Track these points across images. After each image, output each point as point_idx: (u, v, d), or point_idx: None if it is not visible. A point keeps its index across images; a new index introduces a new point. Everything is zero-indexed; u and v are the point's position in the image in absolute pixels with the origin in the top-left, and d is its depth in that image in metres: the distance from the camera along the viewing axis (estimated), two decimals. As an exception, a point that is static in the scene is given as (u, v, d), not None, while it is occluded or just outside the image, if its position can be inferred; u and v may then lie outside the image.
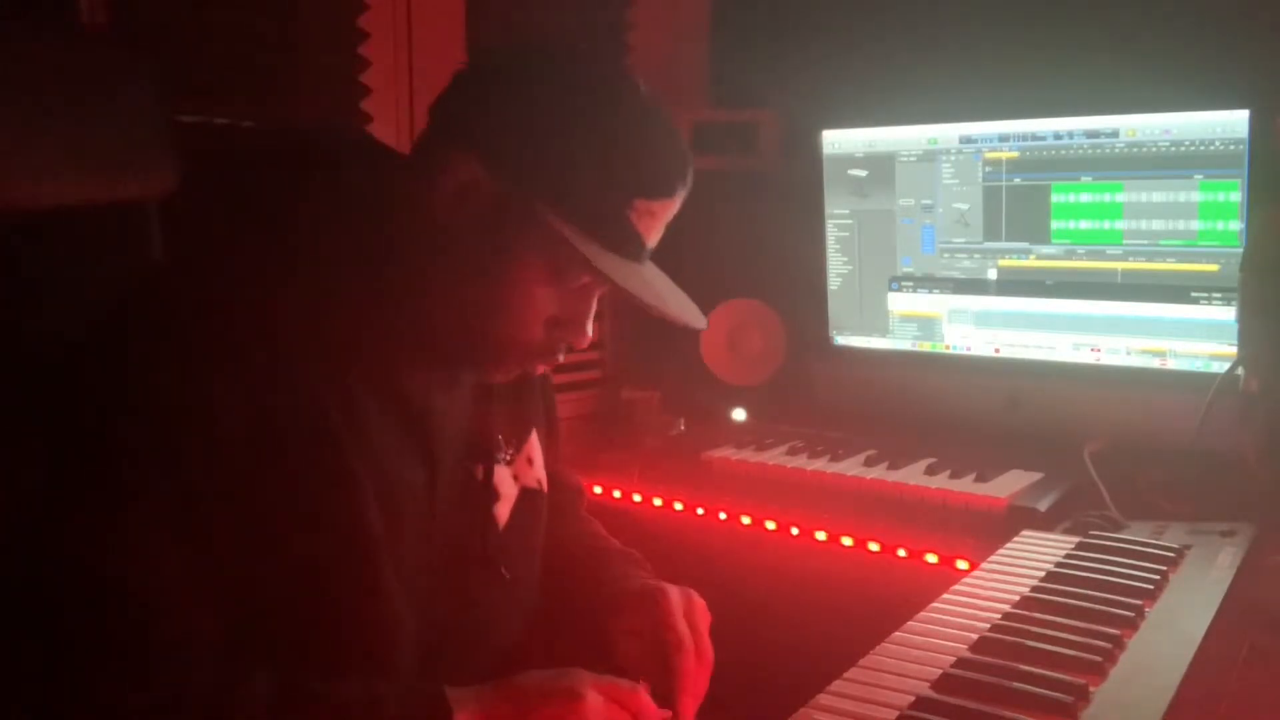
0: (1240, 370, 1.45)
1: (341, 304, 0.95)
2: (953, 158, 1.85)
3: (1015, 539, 1.38)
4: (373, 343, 0.97)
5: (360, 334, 0.96)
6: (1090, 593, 1.15)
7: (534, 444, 1.16)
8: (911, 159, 1.89)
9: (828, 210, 1.99)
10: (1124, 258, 1.71)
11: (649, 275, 0.99)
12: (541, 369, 1.03)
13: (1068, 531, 1.41)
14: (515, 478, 1.11)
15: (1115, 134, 1.69)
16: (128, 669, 0.79)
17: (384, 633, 0.95)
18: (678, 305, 1.00)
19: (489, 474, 1.08)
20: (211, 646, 0.84)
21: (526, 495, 1.12)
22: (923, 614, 1.14)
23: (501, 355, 0.99)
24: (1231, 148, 1.59)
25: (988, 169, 1.82)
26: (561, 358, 1.01)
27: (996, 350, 1.86)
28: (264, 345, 0.89)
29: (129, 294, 0.94)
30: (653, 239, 0.98)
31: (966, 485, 1.58)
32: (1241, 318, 1.49)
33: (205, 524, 0.85)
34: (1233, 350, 1.54)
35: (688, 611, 1.05)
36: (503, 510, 1.09)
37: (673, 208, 0.98)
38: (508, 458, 1.11)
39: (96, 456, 0.84)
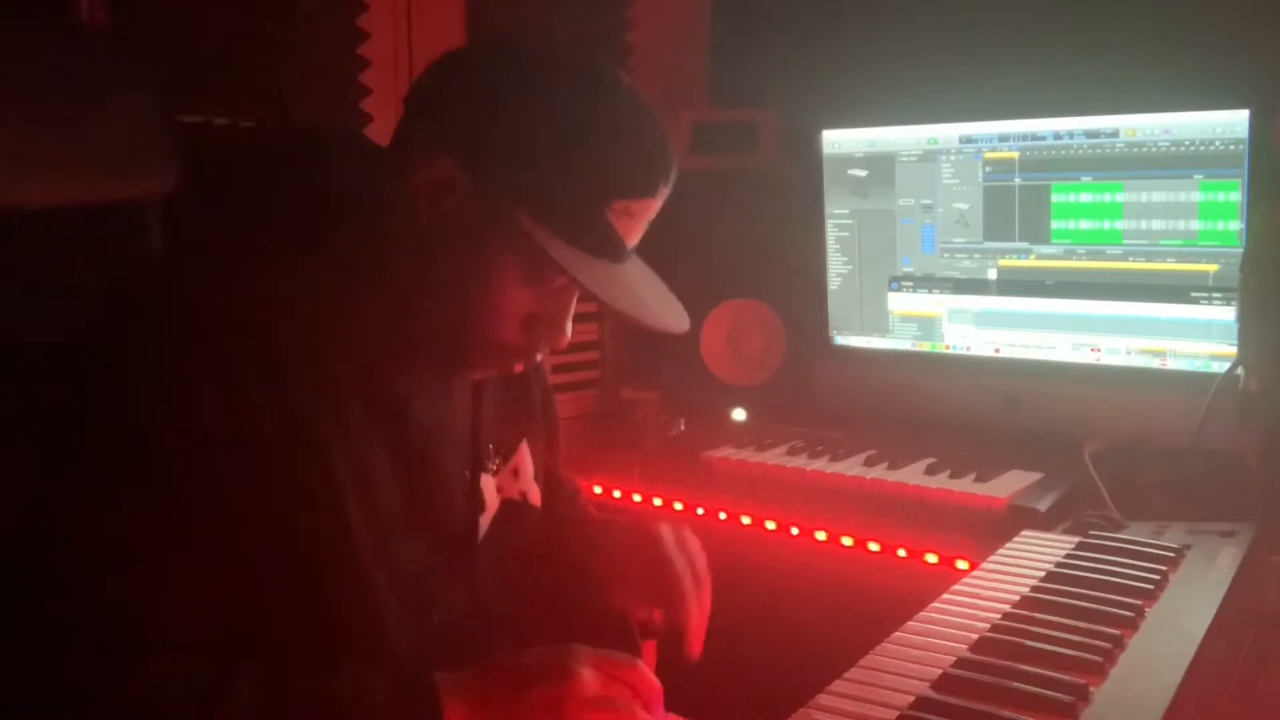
0: (1240, 370, 1.45)
1: (329, 304, 0.95)
2: (953, 158, 1.85)
3: (1015, 539, 1.38)
4: (359, 344, 0.96)
5: (347, 335, 0.95)
6: (1090, 593, 1.15)
7: (523, 455, 1.15)
8: (911, 159, 1.89)
9: (828, 210, 1.99)
10: (1124, 258, 1.71)
11: (630, 275, 0.97)
12: (519, 368, 1.02)
13: (1068, 531, 1.41)
14: (499, 489, 1.11)
15: (1115, 134, 1.69)
16: (113, 666, 0.79)
17: (369, 632, 0.95)
18: (658, 308, 0.98)
19: (475, 483, 1.08)
20: (196, 643, 0.84)
21: (507, 507, 1.11)
22: (923, 614, 1.14)
23: (478, 354, 0.98)
24: (1231, 148, 1.59)
25: (988, 169, 1.81)
26: (540, 357, 1.01)
27: (996, 350, 1.85)
28: (252, 347, 0.89)
29: (118, 294, 0.94)
30: (633, 238, 0.96)
31: (966, 485, 1.58)
32: (1241, 318, 1.49)
33: (191, 523, 0.85)
34: (1233, 350, 1.54)
35: (679, 541, 1.07)
36: (484, 521, 1.09)
37: (655, 206, 0.96)
38: (494, 468, 1.10)
39: (86, 455, 0.84)
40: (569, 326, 0.98)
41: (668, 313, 0.99)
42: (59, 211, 1.17)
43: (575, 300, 0.98)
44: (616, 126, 0.92)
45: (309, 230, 0.96)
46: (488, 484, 1.09)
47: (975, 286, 1.85)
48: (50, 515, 0.83)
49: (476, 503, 1.08)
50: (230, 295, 0.91)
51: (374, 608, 0.95)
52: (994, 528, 1.45)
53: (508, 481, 1.12)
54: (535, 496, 1.16)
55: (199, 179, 1.18)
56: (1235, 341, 1.52)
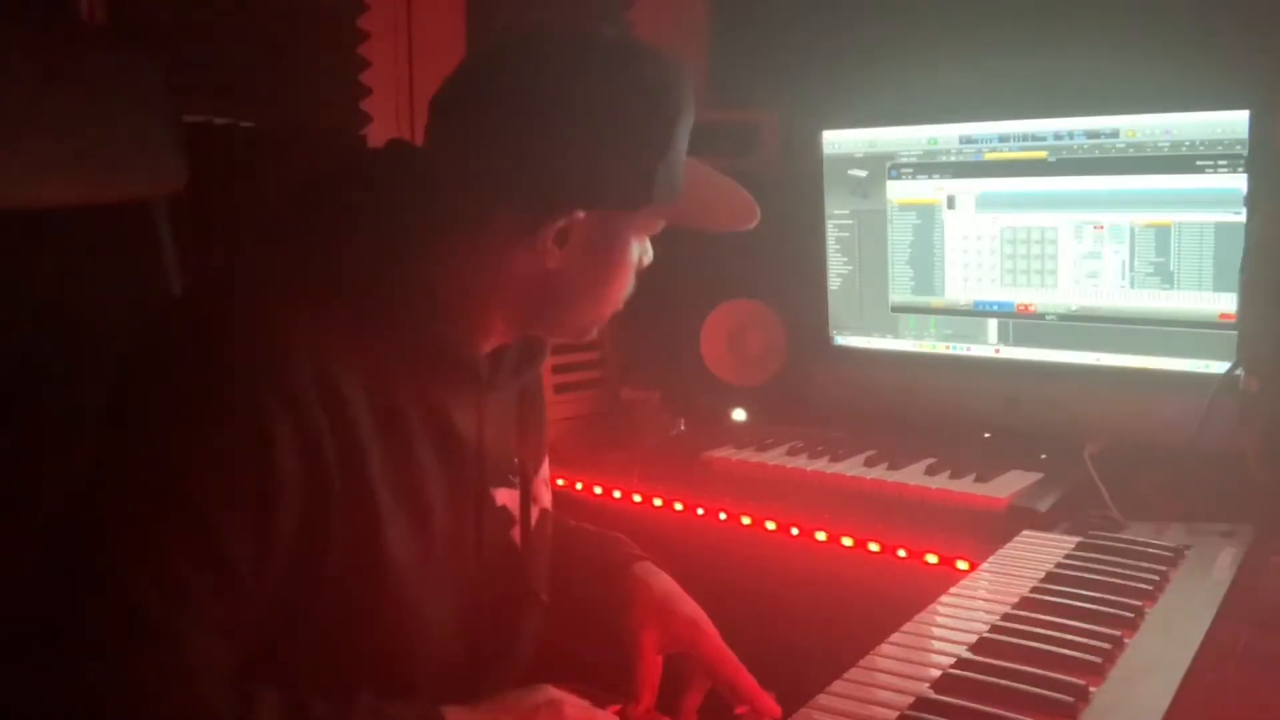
0: (1240, 370, 1.45)
1: (388, 331, 0.94)
2: (953, 158, 1.85)
3: (1015, 539, 1.38)
4: (422, 369, 0.97)
5: (408, 362, 0.95)
6: (1090, 593, 1.15)
7: (546, 463, 1.17)
8: (911, 159, 1.89)
9: (828, 210, 1.99)
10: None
11: (695, 176, 1.03)
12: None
13: (1068, 531, 1.41)
14: (534, 500, 1.12)
15: (1115, 134, 1.69)
16: (138, 693, 0.78)
17: (406, 656, 0.96)
18: (739, 206, 1.07)
19: (526, 498, 1.09)
20: (224, 671, 0.83)
21: (541, 516, 1.13)
22: (923, 614, 1.14)
23: (607, 318, 1.06)
24: (1231, 148, 1.59)
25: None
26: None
27: (997, 350, 1.86)
28: (311, 371, 0.87)
29: (178, 306, 0.94)
30: None
31: (966, 485, 1.58)
32: (1241, 318, 1.49)
33: (235, 547, 0.84)
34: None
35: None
36: (518, 533, 1.10)
37: None
38: (526, 480, 1.11)
39: (136, 477, 0.84)
40: (650, 246, 1.06)
41: (747, 208, 1.08)
42: (64, 212, 1.17)
43: None
44: (670, 90, 0.97)
45: (376, 259, 0.95)
46: (517, 496, 1.10)
47: (976, 169, 1.83)
48: (96, 538, 0.82)
49: (525, 516, 1.09)
50: (296, 324, 0.89)
51: (411, 630, 0.96)
52: (994, 528, 1.45)
53: (541, 491, 1.14)
54: (549, 500, 1.17)
55: (238, 193, 1.18)
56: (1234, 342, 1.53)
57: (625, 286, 1.03)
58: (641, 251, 1.04)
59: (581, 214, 0.95)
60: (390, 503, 0.92)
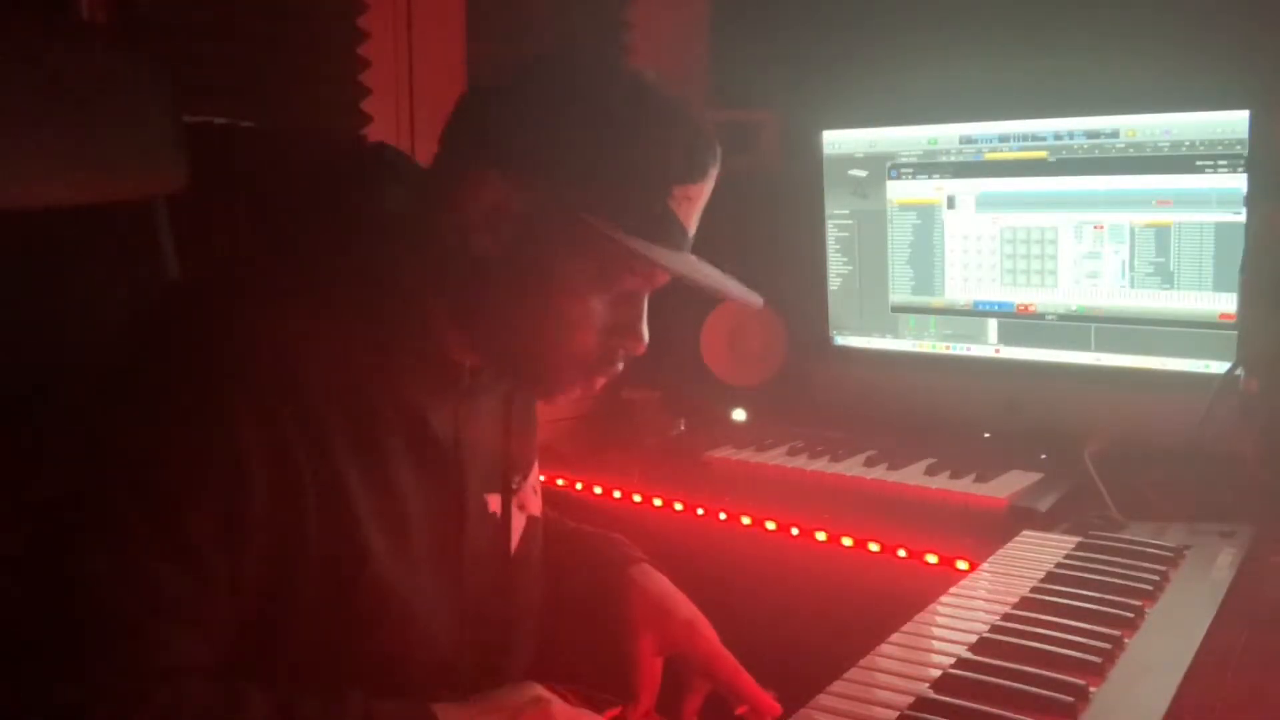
0: (1240, 370, 1.45)
1: (372, 339, 0.94)
2: (952, 158, 1.85)
3: (1015, 539, 1.38)
4: (401, 377, 0.96)
5: (389, 370, 0.95)
6: (1090, 593, 1.15)
7: (535, 471, 1.16)
8: (911, 159, 1.89)
9: (828, 210, 1.99)
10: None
11: (695, 262, 0.99)
12: (602, 382, 1.02)
13: (1068, 531, 1.41)
14: (521, 507, 1.11)
15: (1115, 134, 1.69)
16: (121, 693, 0.78)
17: (396, 659, 0.96)
18: (733, 284, 1.01)
19: (507, 505, 1.09)
20: (205, 670, 0.83)
21: (530, 523, 1.13)
22: (923, 614, 1.14)
23: (560, 371, 0.98)
24: (1231, 148, 1.59)
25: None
26: (620, 366, 1.00)
27: (997, 350, 1.86)
28: (289, 380, 0.88)
29: (151, 308, 0.94)
30: (692, 225, 0.98)
31: (966, 485, 1.58)
32: (1241, 318, 1.49)
33: (211, 550, 0.84)
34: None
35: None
36: (513, 540, 1.09)
37: (707, 189, 0.98)
38: (516, 486, 1.11)
39: (108, 476, 0.84)
40: (644, 330, 0.99)
41: (743, 288, 1.02)
42: (65, 213, 1.17)
43: (646, 303, 0.99)
44: (660, 117, 0.94)
45: (357, 260, 0.95)
46: (512, 503, 1.10)
47: (976, 169, 1.83)
48: (67, 537, 0.82)
49: (506, 522, 1.09)
50: (270, 325, 0.89)
51: (392, 631, 0.95)
52: (994, 528, 1.45)
53: (529, 498, 1.13)
54: (539, 507, 1.16)
55: (238, 193, 1.18)
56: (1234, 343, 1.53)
57: (569, 320, 0.94)
58: (628, 313, 0.97)
59: (496, 175, 0.91)
60: (367, 506, 0.92)
